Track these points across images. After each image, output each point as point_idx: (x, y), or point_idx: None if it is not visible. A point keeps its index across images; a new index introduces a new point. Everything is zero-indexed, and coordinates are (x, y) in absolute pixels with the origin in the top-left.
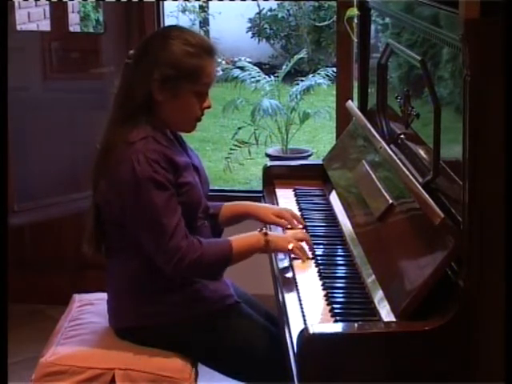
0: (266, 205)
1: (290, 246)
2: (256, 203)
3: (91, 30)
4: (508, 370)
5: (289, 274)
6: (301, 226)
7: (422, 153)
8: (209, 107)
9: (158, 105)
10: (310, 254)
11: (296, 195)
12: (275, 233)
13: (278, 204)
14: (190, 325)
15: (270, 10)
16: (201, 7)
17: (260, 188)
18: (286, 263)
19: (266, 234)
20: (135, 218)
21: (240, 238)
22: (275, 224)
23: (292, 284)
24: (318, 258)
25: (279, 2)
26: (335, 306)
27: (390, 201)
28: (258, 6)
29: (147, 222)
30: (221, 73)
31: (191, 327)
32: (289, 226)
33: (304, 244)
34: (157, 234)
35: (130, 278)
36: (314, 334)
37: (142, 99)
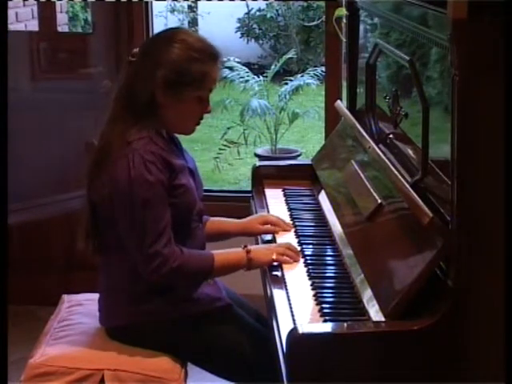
0: (249, 218)
1: (274, 256)
2: (239, 220)
3: (80, 30)
4: (508, 369)
5: (278, 274)
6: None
7: (410, 152)
8: (209, 112)
9: (160, 107)
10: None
11: (285, 195)
12: (258, 247)
13: (267, 204)
14: (179, 325)
15: (259, 10)
16: (190, 7)
17: (249, 188)
18: (275, 263)
19: (248, 251)
20: (122, 216)
21: (224, 253)
22: (265, 233)
23: (281, 284)
24: (307, 257)
25: (268, 2)
26: (324, 305)
27: (379, 200)
28: (247, 6)
29: (133, 223)
30: None
31: (180, 327)
32: (279, 231)
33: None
34: (140, 236)
35: (123, 277)
36: (303, 334)
37: (144, 99)
